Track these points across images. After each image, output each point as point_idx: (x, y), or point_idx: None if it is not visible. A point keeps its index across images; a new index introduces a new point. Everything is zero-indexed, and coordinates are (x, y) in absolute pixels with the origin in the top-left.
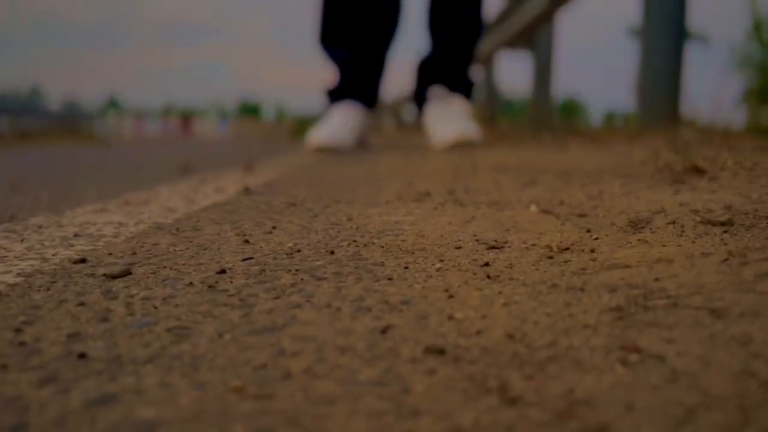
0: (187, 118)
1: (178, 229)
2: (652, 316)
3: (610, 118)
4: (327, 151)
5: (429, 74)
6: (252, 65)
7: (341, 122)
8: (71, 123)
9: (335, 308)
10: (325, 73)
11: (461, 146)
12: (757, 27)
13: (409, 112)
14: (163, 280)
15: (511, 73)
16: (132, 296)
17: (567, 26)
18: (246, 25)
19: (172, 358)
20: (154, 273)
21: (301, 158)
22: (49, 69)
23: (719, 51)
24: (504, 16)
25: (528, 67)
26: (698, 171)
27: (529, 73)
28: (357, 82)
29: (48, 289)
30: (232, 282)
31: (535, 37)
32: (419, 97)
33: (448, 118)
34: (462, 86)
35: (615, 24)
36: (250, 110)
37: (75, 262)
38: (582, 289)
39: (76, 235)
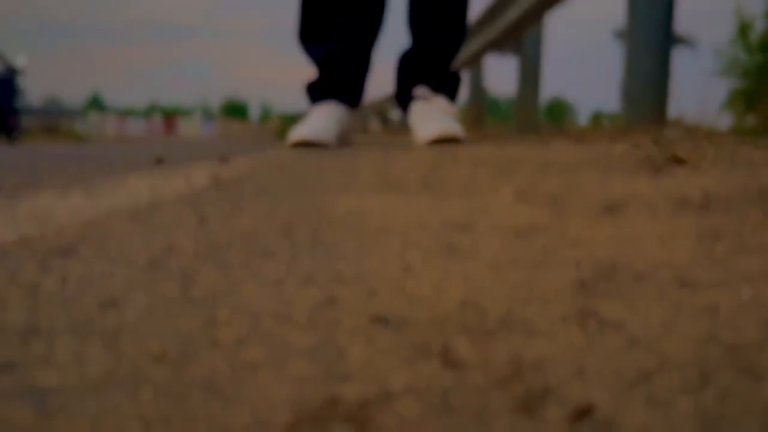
0: (171, 117)
1: (135, 213)
2: (616, 288)
3: (597, 118)
4: (307, 147)
5: (411, 74)
6: (237, 64)
7: (322, 121)
8: (53, 121)
9: (281, 282)
10: (309, 71)
11: (444, 142)
12: (743, 31)
13: (394, 112)
14: (106, 258)
15: (499, 73)
16: (68, 272)
17: (554, 28)
18: (231, 24)
19: (93, 328)
20: (98, 252)
21: (280, 153)
22: (30, 66)
23: (705, 55)
24: (491, 15)
25: (516, 68)
26: (678, 161)
27: (516, 74)
28: (338, 81)
29: None
30: (178, 260)
31: (522, 39)
32: (402, 98)
33: (431, 116)
34: (446, 86)
35: (602, 26)
36: (235, 109)
37: (18, 242)
38: (545, 264)
39: (27, 218)
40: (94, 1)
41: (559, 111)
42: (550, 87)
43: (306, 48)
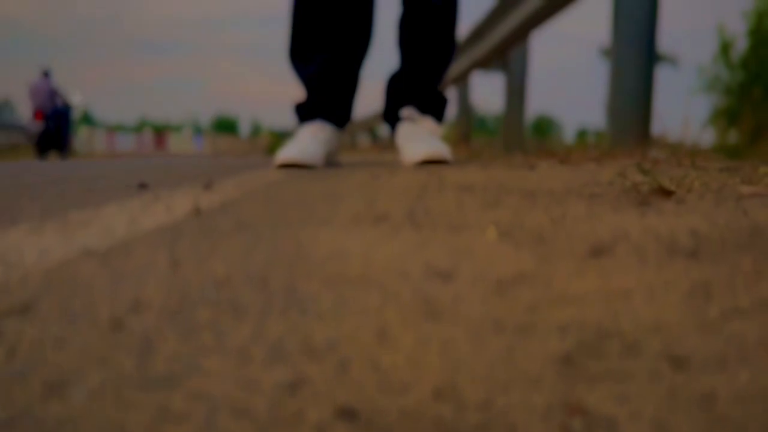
0: (161, 133)
1: (107, 255)
2: (603, 368)
3: (582, 135)
4: (294, 168)
5: (400, 93)
6: (228, 81)
7: (309, 141)
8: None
9: (247, 354)
10: (297, 88)
11: (431, 163)
12: (724, 50)
13: (383, 129)
14: (66, 317)
15: (486, 90)
16: (20, 340)
17: (541, 46)
18: (222, 41)
19: (31, 421)
20: (59, 307)
21: (267, 175)
22: (21, 82)
23: (688, 73)
24: (477, 34)
25: (502, 85)
26: (665, 192)
27: (503, 91)
28: (326, 100)
29: None
30: (142, 319)
31: (508, 57)
32: (390, 117)
33: (418, 138)
34: (433, 107)
35: (588, 44)
36: (225, 125)
37: None
38: (529, 330)
39: None
40: (83, 17)
41: (544, 127)
42: (536, 104)
43: (295, 66)
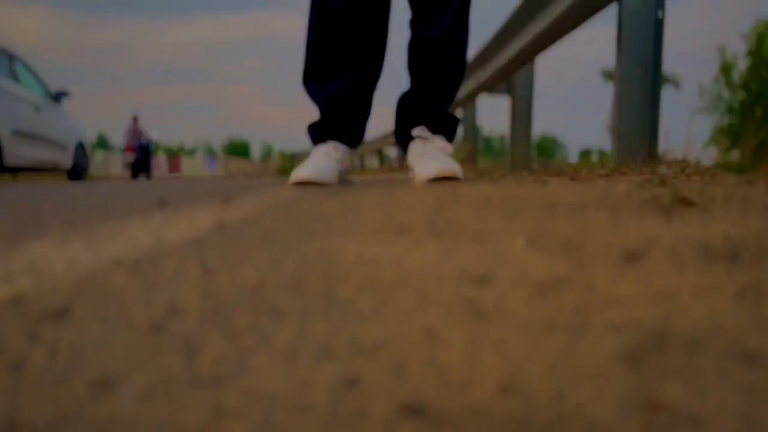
0: (175, 156)
1: (137, 265)
2: (671, 363)
3: (585, 155)
4: (308, 186)
5: (411, 114)
6: (240, 105)
7: (323, 161)
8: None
9: (295, 353)
10: (311, 112)
11: (442, 181)
12: (725, 70)
13: (391, 151)
14: (103, 321)
15: (491, 112)
16: (59, 341)
17: (543, 68)
18: (234, 67)
19: (81, 421)
20: (94, 313)
21: (282, 193)
22: None
23: (689, 92)
24: (484, 59)
25: (507, 107)
26: (687, 203)
27: (507, 113)
28: (339, 122)
29: None
30: (181, 322)
31: (513, 80)
32: (401, 138)
33: (430, 155)
34: (444, 127)
35: (589, 65)
36: (238, 148)
37: (9, 301)
38: (583, 328)
39: (23, 270)
40: (98, 45)
41: (548, 148)
42: (539, 124)
43: (309, 90)
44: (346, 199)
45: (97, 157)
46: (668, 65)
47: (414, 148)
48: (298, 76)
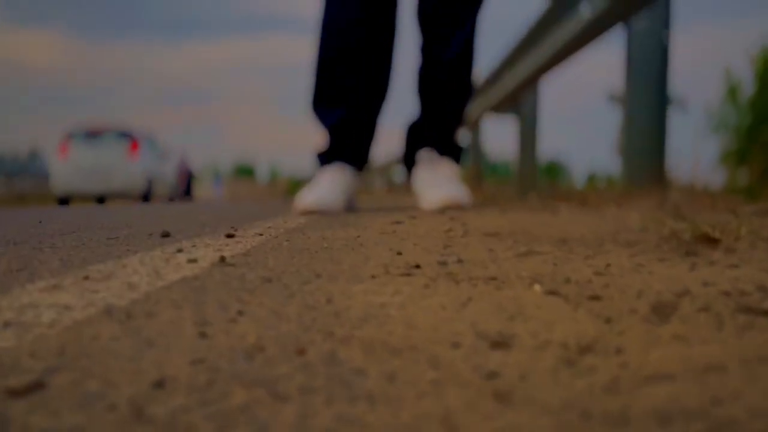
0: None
1: (129, 315)
2: None
3: (592, 179)
4: (315, 214)
5: (418, 138)
6: (247, 128)
7: (330, 185)
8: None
9: None
10: (317, 136)
11: (450, 209)
12: (732, 92)
13: (399, 174)
14: (81, 399)
15: (496, 135)
16: (27, 428)
17: (549, 91)
18: (241, 90)
19: None
20: (73, 386)
21: (289, 221)
22: (48, 131)
23: (697, 115)
24: (491, 81)
25: (512, 130)
26: (710, 240)
27: (513, 136)
28: (347, 144)
29: None
30: (168, 400)
31: (519, 102)
32: (408, 161)
33: (437, 182)
34: (451, 150)
35: (595, 89)
36: (244, 171)
37: None
38: (625, 420)
39: (5, 324)
40: (106, 68)
41: (555, 171)
42: (545, 148)
43: (317, 114)
44: (351, 232)
45: None
46: (676, 87)
47: (420, 173)
48: (304, 100)
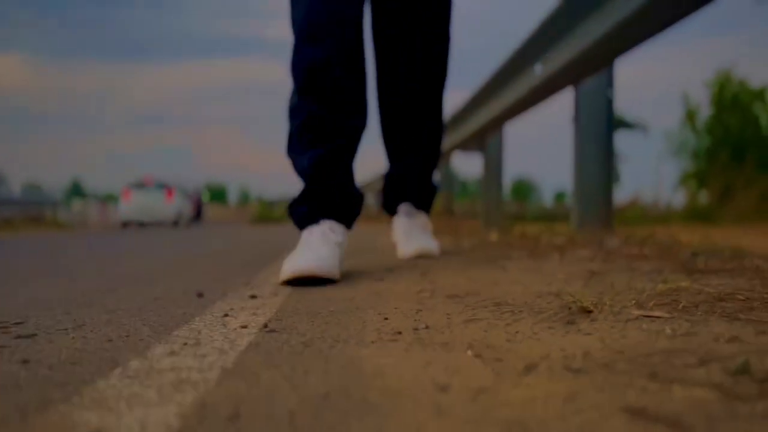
0: None
1: (241, 374)
2: None
3: (560, 197)
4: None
5: (396, 191)
6: (216, 150)
7: (323, 247)
8: (34, 209)
9: None
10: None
11: (422, 257)
12: (690, 116)
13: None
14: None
15: (466, 159)
16: None
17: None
18: (208, 112)
19: None
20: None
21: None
22: (10, 154)
23: (658, 138)
24: (458, 119)
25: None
26: (586, 311)
27: (481, 169)
28: (329, 195)
29: None
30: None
31: (485, 141)
32: (389, 208)
33: (413, 235)
34: (425, 202)
35: (562, 108)
36: (215, 194)
37: None
38: (481, 422)
39: (180, 382)
40: (75, 91)
41: (524, 190)
42: (514, 167)
43: (292, 159)
44: (347, 293)
45: (75, 207)
46: (637, 112)
47: (400, 224)
48: (275, 121)
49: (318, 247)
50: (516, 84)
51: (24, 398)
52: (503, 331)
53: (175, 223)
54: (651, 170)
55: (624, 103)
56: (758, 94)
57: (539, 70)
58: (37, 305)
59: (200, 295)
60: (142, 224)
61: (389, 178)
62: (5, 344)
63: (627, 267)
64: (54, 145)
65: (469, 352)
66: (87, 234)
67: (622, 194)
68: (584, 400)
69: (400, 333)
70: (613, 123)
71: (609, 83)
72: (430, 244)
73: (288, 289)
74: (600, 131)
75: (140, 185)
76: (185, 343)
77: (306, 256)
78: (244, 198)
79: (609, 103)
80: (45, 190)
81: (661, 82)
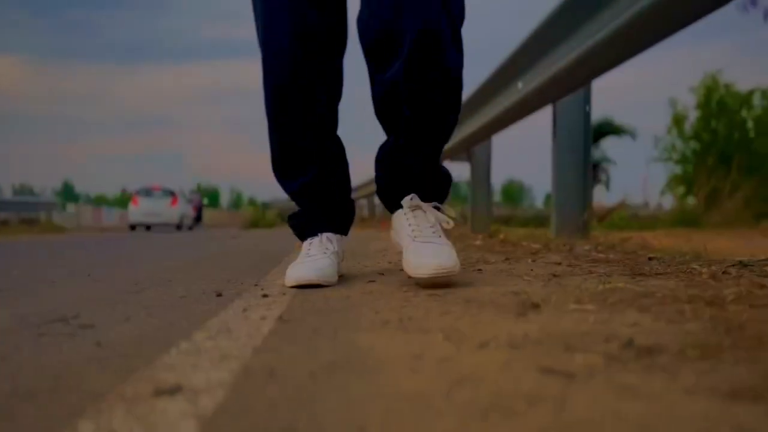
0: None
1: (276, 346)
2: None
3: (549, 198)
4: (310, 286)
5: (394, 170)
6: (207, 153)
7: (322, 257)
8: (28, 212)
9: None
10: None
11: (438, 282)
12: (677, 121)
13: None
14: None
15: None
16: None
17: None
18: (200, 115)
19: None
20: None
21: (282, 296)
22: (2, 158)
23: (646, 143)
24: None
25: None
26: (535, 306)
27: (469, 176)
28: (322, 209)
29: None
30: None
31: (473, 151)
32: (389, 202)
33: (424, 239)
34: (435, 189)
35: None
36: (208, 197)
37: None
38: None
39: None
40: (67, 95)
41: (515, 193)
42: (505, 168)
43: (281, 183)
44: (343, 292)
45: (69, 210)
46: (624, 117)
47: (404, 220)
48: (262, 123)
49: (318, 258)
50: (501, 98)
51: (113, 366)
52: (469, 321)
53: (178, 227)
54: (640, 175)
55: (612, 109)
56: (745, 99)
57: (521, 87)
58: (79, 303)
59: (219, 294)
60: (148, 227)
61: (382, 157)
62: (74, 333)
63: (586, 270)
64: (44, 147)
65: (440, 335)
66: (85, 237)
67: (611, 199)
68: (515, 364)
69: (388, 322)
70: (590, 137)
71: (586, 100)
72: (448, 258)
73: (294, 290)
74: (577, 144)
75: (148, 192)
76: (219, 330)
77: (308, 266)
78: (237, 201)
79: (587, 117)
80: (37, 192)
81: (648, 88)
